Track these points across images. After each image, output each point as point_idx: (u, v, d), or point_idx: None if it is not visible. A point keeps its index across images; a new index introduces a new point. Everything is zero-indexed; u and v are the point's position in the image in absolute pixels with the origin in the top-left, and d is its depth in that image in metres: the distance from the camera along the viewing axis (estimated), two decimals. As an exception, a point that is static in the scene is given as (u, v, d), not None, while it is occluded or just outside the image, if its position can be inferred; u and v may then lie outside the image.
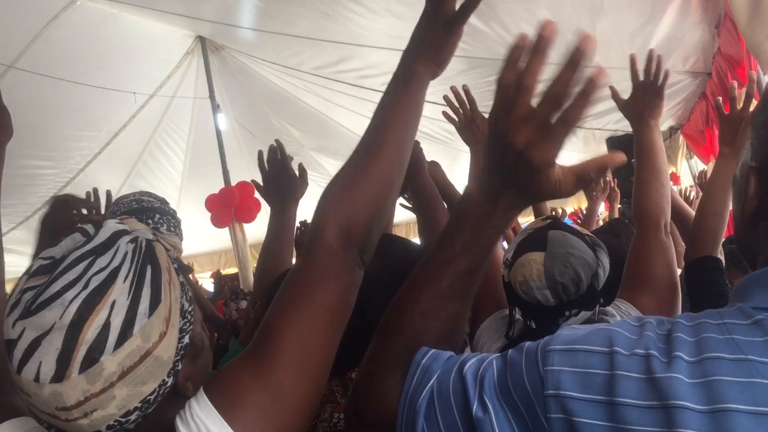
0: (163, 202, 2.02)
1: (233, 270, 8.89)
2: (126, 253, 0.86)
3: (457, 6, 1.13)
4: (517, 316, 1.66)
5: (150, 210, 1.90)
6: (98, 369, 0.78)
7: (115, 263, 0.84)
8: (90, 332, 0.78)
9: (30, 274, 0.86)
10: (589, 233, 1.62)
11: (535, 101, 0.78)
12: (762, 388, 0.60)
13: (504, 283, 1.63)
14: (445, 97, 2.05)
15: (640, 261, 1.72)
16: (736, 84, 1.92)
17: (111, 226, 0.90)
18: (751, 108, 1.84)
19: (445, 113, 2.08)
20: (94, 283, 0.81)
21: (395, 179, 1.09)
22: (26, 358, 0.78)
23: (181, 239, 1.92)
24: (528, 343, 0.77)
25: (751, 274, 0.73)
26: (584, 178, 0.80)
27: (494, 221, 0.87)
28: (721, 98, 1.92)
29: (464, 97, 2.06)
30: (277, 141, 2.04)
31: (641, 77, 1.85)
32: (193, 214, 7.99)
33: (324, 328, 0.96)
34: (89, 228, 0.90)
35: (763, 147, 0.76)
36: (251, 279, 6.45)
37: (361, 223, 1.03)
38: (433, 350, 0.86)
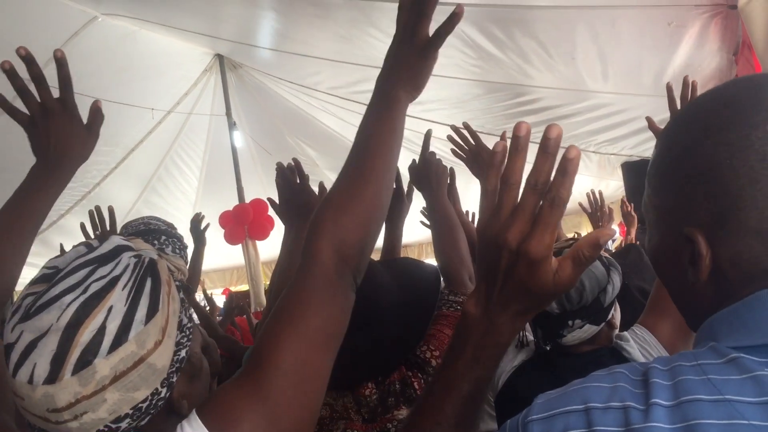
0: (171, 226, 2.06)
1: (245, 287, 8.91)
2: (127, 265, 0.87)
3: (431, 32, 1.16)
4: (529, 336, 1.68)
5: (156, 232, 1.93)
6: (91, 371, 0.79)
7: (116, 272, 0.85)
8: (85, 335, 0.79)
9: (33, 282, 0.88)
10: (607, 255, 1.66)
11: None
12: (743, 430, 0.59)
13: None
14: (449, 137, 2.07)
15: (664, 288, 1.70)
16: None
17: (115, 240, 0.92)
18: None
19: (453, 150, 2.10)
20: (93, 288, 0.83)
21: (385, 202, 1.12)
22: (22, 361, 0.79)
23: (186, 263, 1.94)
24: (508, 421, 0.75)
25: (714, 316, 0.71)
26: (580, 259, 0.75)
27: (494, 339, 0.83)
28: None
29: (467, 134, 2.07)
30: (294, 160, 2.05)
31: (678, 106, 1.83)
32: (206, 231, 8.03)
33: (320, 352, 0.96)
34: (93, 242, 0.92)
35: (693, 203, 0.73)
36: (263, 296, 6.46)
37: (355, 245, 1.04)
38: None
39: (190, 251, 2.44)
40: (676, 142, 0.77)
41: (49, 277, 0.86)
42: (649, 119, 1.96)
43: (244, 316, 5.54)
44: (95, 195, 7.21)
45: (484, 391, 0.88)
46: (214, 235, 7.35)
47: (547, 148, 0.71)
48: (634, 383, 0.68)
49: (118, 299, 0.83)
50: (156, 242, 1.87)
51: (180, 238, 2.00)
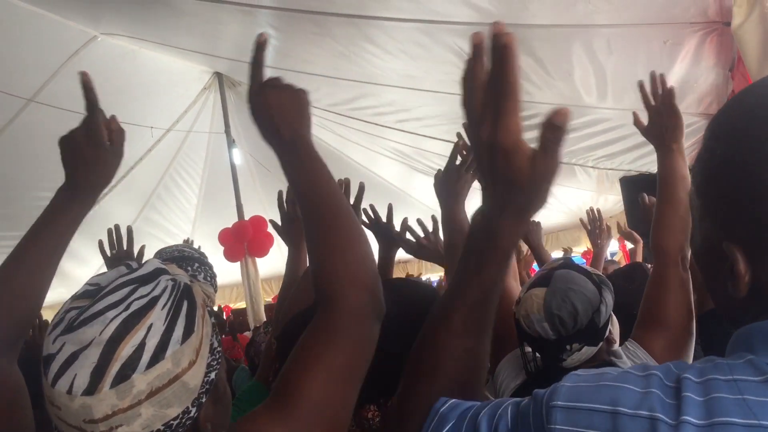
0: (203, 255, 2.19)
1: (243, 304, 8.90)
2: (166, 287, 0.91)
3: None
4: (529, 355, 1.68)
5: (190, 259, 2.05)
6: (129, 385, 0.82)
7: (156, 293, 0.89)
8: (126, 350, 0.82)
9: (75, 297, 0.91)
10: (599, 273, 1.65)
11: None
12: None
13: (515, 320, 1.67)
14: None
15: (654, 300, 1.67)
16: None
17: (154, 263, 0.97)
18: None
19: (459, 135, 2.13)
20: (135, 306, 0.86)
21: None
22: (62, 371, 0.82)
23: (215, 291, 2.02)
24: (537, 392, 0.74)
25: (752, 325, 0.68)
26: (546, 143, 0.78)
27: (496, 243, 0.85)
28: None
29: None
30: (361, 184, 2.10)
31: (652, 101, 1.82)
32: (206, 248, 8.02)
33: (347, 385, 1.01)
34: (133, 263, 0.97)
35: (736, 219, 0.70)
36: (262, 313, 6.44)
37: (374, 275, 1.10)
38: (453, 400, 0.85)
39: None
40: (723, 144, 0.73)
41: (91, 293, 0.90)
42: (634, 114, 1.94)
43: (245, 333, 5.54)
44: (95, 213, 7.08)
45: (491, 298, 0.88)
46: (214, 252, 7.37)
47: (475, 53, 0.81)
48: (667, 391, 0.65)
49: (157, 318, 0.86)
50: (189, 269, 1.98)
51: (211, 267, 2.12)
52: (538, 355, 1.69)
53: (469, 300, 0.87)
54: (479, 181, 0.87)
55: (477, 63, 0.81)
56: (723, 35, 3.48)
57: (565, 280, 1.57)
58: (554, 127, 0.76)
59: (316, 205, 1.15)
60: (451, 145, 2.08)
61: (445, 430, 0.81)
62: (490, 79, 0.78)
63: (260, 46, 1.28)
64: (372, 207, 2.27)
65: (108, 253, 2.50)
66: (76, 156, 1.39)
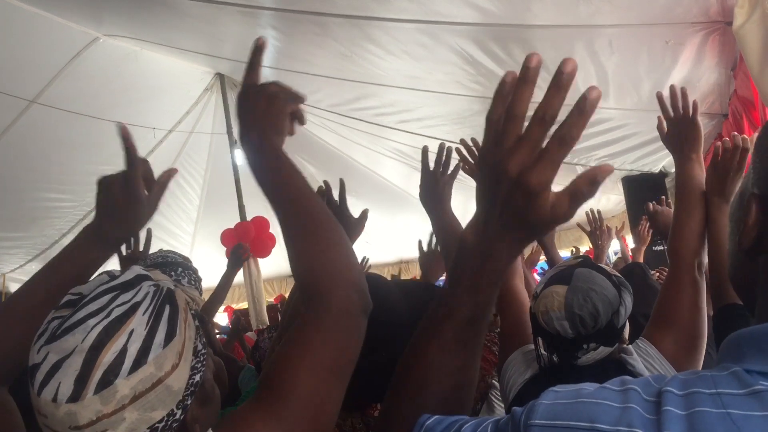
0: (186, 260, 2.18)
1: (245, 304, 8.91)
2: (147, 293, 0.92)
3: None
4: (542, 350, 1.69)
5: (173, 264, 2.06)
6: (112, 391, 0.83)
7: (137, 299, 0.90)
8: (108, 356, 0.84)
9: (58, 307, 0.92)
10: (618, 274, 1.66)
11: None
12: None
13: (530, 314, 1.69)
14: (457, 149, 2.09)
15: (668, 300, 1.71)
16: (727, 140, 1.76)
17: (136, 269, 0.97)
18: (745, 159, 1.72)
19: (462, 165, 2.11)
20: (116, 313, 0.87)
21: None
22: (47, 380, 0.83)
23: (201, 294, 2.03)
24: (515, 410, 0.73)
25: (742, 331, 0.66)
26: (577, 195, 0.73)
27: (492, 265, 0.82)
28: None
29: (474, 148, 2.10)
30: (325, 182, 2.07)
31: (671, 113, 1.81)
32: (208, 249, 8.03)
33: (334, 381, 1.02)
34: (116, 271, 0.98)
35: (766, 171, 0.71)
36: (265, 314, 6.45)
37: (359, 271, 1.12)
38: (438, 416, 0.83)
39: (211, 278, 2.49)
40: None
41: (74, 302, 0.91)
42: (659, 118, 1.88)
43: (246, 334, 5.56)
44: (97, 214, 7.20)
45: (484, 316, 0.87)
46: (216, 252, 7.38)
47: (560, 81, 0.69)
48: (647, 406, 0.63)
49: (138, 323, 0.88)
50: (173, 273, 1.97)
51: (195, 271, 2.11)
52: (549, 352, 1.70)
53: (461, 317, 0.85)
54: (477, 200, 0.84)
55: (526, 88, 0.72)
56: (725, 35, 3.48)
57: (587, 279, 1.59)
58: (594, 183, 0.72)
59: (290, 209, 1.18)
60: (451, 146, 2.08)
61: None
62: (544, 118, 0.71)
63: (258, 48, 1.30)
64: (326, 183, 2.12)
65: (123, 252, 2.51)
66: (109, 204, 1.36)
